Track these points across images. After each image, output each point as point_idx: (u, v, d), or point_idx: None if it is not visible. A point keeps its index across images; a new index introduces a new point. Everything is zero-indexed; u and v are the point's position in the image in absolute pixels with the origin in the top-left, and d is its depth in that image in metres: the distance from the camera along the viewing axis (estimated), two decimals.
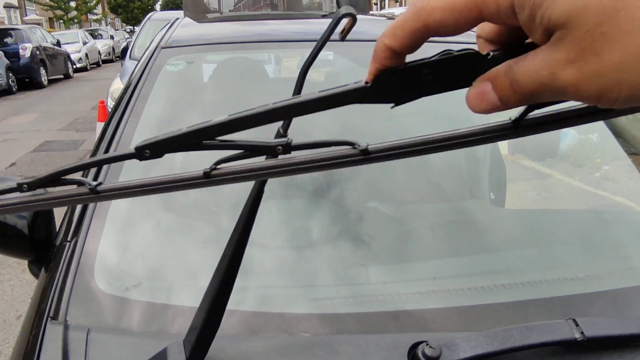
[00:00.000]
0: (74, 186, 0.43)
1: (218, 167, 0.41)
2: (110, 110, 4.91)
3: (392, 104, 0.35)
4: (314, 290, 0.89)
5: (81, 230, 0.91)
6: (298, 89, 0.46)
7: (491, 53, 0.32)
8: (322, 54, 1.80)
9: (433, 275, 0.91)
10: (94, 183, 0.42)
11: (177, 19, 1.87)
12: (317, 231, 1.03)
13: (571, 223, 1.24)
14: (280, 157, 0.40)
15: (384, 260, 1.00)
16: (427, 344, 0.63)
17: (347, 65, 1.69)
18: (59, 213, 1.08)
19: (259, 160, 0.41)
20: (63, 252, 0.88)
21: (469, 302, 0.84)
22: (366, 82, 0.34)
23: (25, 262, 1.11)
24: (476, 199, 1.49)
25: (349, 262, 0.96)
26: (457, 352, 0.62)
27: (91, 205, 0.96)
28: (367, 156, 0.38)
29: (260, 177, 0.40)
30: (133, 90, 1.25)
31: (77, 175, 0.45)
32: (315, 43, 0.45)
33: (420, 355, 0.62)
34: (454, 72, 0.33)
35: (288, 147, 0.39)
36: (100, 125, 4.84)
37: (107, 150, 1.09)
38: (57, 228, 1.04)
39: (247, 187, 0.61)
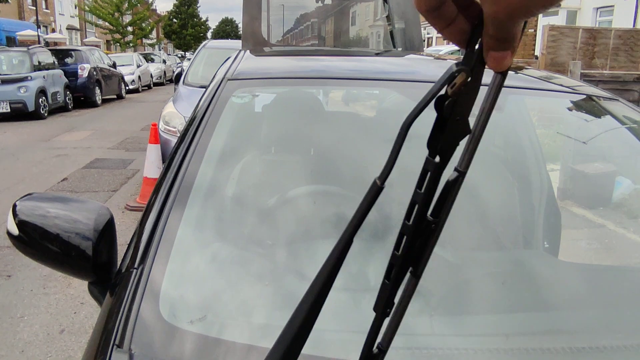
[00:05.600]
0: None
1: None
2: (161, 132, 5.05)
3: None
4: None
5: (148, 258, 0.93)
6: (398, 145, 0.44)
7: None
8: (368, 90, 1.79)
9: (496, 331, 0.88)
10: None
11: (240, 51, 1.93)
12: (375, 275, 1.02)
13: (634, 283, 1.19)
14: None
15: (443, 311, 0.97)
16: None
17: (397, 99, 1.67)
18: (122, 238, 1.11)
19: None
20: (130, 279, 0.90)
21: None
22: (431, 158, 0.45)
23: (72, 277, 1.12)
24: (531, 249, 1.45)
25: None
26: None
27: (158, 233, 0.98)
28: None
29: None
30: (200, 120, 1.29)
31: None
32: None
33: None
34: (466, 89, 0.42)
35: None
36: (151, 148, 4.99)
37: (173, 181, 1.10)
38: (124, 253, 1.06)
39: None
